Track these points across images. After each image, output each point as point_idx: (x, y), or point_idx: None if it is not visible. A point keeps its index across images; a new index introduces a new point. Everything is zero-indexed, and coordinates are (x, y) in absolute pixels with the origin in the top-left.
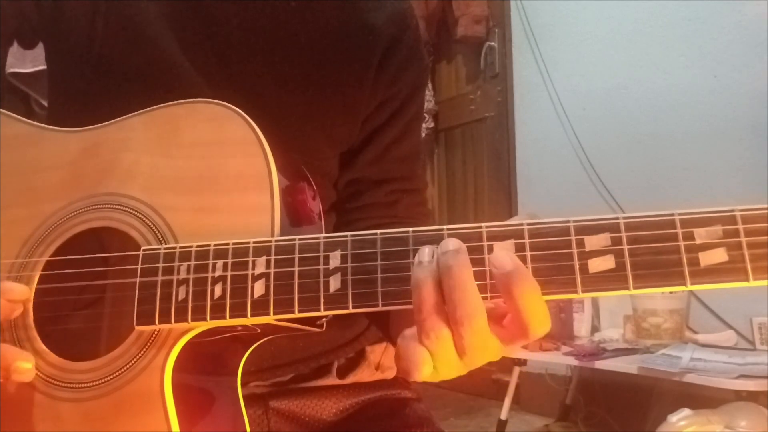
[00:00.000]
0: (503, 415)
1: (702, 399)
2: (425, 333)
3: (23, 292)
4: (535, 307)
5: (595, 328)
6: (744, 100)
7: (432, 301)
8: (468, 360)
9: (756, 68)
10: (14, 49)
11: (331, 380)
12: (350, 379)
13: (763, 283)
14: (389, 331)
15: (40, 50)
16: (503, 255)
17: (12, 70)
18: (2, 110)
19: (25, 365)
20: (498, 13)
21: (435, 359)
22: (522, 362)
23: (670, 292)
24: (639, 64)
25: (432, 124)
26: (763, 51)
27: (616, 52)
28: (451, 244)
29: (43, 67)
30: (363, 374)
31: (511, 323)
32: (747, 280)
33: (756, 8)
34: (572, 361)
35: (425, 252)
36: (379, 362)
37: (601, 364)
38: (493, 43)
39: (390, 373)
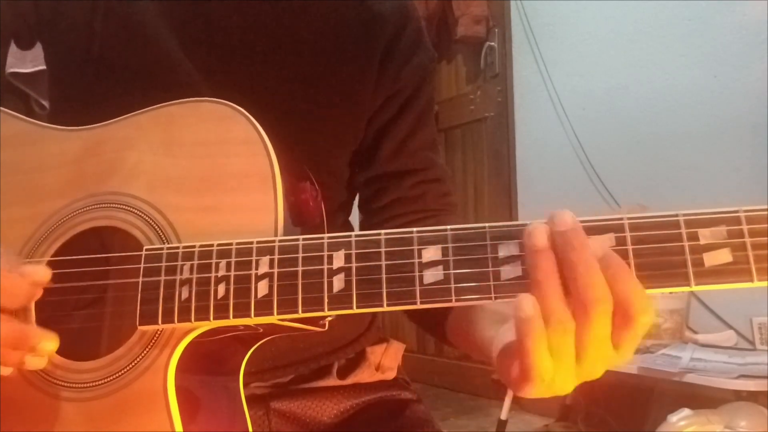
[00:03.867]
0: (503, 415)
1: (702, 399)
2: (552, 326)
3: (46, 274)
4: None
5: None
6: (744, 100)
7: (558, 291)
8: (586, 364)
9: (756, 68)
10: (14, 49)
11: (332, 381)
12: (350, 380)
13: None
14: (442, 331)
15: (40, 50)
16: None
17: (12, 70)
18: (4, 109)
19: (49, 345)
20: (498, 13)
21: (557, 362)
22: None
23: (670, 292)
24: (639, 64)
25: None
26: (763, 51)
27: (616, 52)
28: (569, 219)
29: (44, 67)
30: (363, 375)
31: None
32: (751, 280)
33: (756, 8)
34: None
35: (541, 234)
36: (379, 363)
37: None
38: (493, 43)
39: (390, 374)
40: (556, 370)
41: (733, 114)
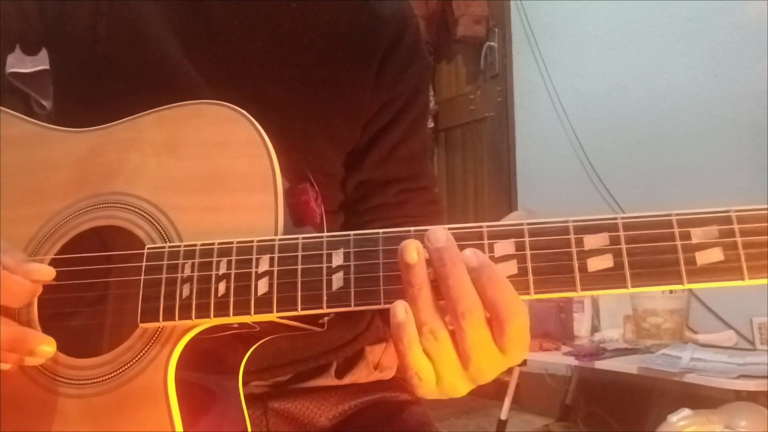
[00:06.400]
0: (503, 415)
1: (702, 399)
2: (424, 335)
3: (50, 273)
4: (505, 299)
5: (595, 328)
6: (744, 100)
7: (429, 303)
8: (473, 369)
9: (756, 68)
10: (17, 51)
11: (330, 380)
12: (348, 380)
13: (759, 282)
14: None
15: (44, 53)
16: (465, 253)
17: (12, 70)
18: (8, 110)
19: (47, 348)
20: (498, 13)
21: (436, 365)
22: (522, 362)
23: (670, 292)
24: (639, 64)
25: (432, 124)
26: (763, 51)
27: (616, 52)
28: (441, 236)
29: (43, 67)
30: (360, 374)
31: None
32: (742, 279)
33: (756, 8)
34: (572, 361)
35: (412, 252)
36: (378, 362)
37: (601, 364)
38: (493, 43)
39: (389, 373)
40: (440, 375)
41: (733, 114)
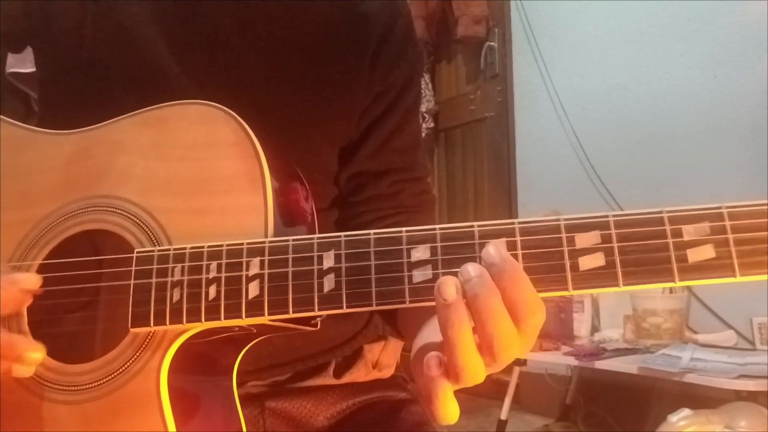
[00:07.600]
0: (503, 415)
1: (702, 399)
2: (460, 369)
3: (37, 281)
4: (525, 297)
5: (595, 328)
6: (744, 100)
7: (467, 339)
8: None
9: (756, 68)
10: None
11: (328, 379)
12: (346, 379)
13: (750, 279)
14: (396, 325)
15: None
16: (488, 250)
17: (12, 70)
18: None
19: (35, 355)
20: (498, 13)
21: (462, 385)
22: (522, 362)
23: (670, 291)
24: (639, 64)
25: (432, 124)
26: (763, 51)
27: (616, 52)
28: (472, 270)
29: None
30: (359, 373)
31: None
32: (734, 275)
33: (756, 8)
34: (572, 361)
35: (450, 289)
36: (377, 360)
37: (601, 364)
38: (493, 43)
39: (387, 372)
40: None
41: (733, 114)
